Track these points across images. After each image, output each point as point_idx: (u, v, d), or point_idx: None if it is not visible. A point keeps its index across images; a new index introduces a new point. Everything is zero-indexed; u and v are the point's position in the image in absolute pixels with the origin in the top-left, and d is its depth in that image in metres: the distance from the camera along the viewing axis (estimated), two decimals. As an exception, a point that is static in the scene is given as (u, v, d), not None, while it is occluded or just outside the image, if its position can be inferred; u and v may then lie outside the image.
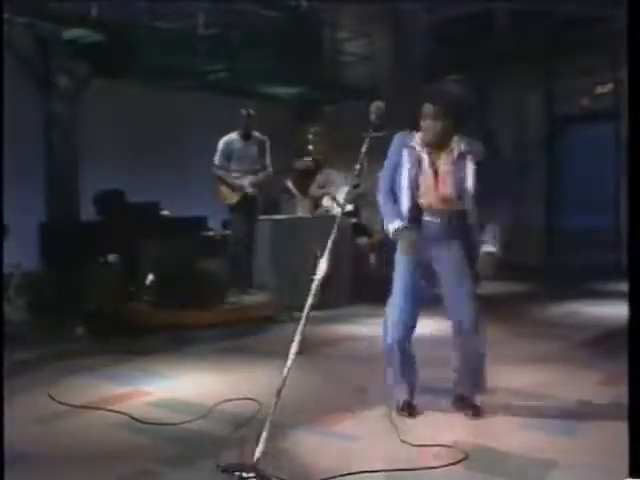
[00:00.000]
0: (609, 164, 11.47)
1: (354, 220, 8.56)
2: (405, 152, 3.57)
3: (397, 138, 3.64)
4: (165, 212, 7.90)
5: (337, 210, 8.68)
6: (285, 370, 2.98)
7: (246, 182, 7.31)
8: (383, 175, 3.69)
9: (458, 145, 3.51)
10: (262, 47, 10.54)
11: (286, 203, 9.33)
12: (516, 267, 11.34)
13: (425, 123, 3.47)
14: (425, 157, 3.53)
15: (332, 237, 3.23)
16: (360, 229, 8.69)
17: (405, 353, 3.74)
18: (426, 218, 3.55)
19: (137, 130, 9.76)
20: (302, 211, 8.85)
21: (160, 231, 7.44)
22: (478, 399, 3.78)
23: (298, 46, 11.03)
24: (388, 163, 3.67)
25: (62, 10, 8.19)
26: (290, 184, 9.01)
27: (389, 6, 11.62)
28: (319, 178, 8.93)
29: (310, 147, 9.18)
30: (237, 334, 6.23)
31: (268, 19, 11.02)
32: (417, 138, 3.57)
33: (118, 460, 3.20)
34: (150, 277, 6.84)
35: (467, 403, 3.75)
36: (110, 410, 3.88)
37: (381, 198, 3.68)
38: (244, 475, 2.81)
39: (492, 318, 6.89)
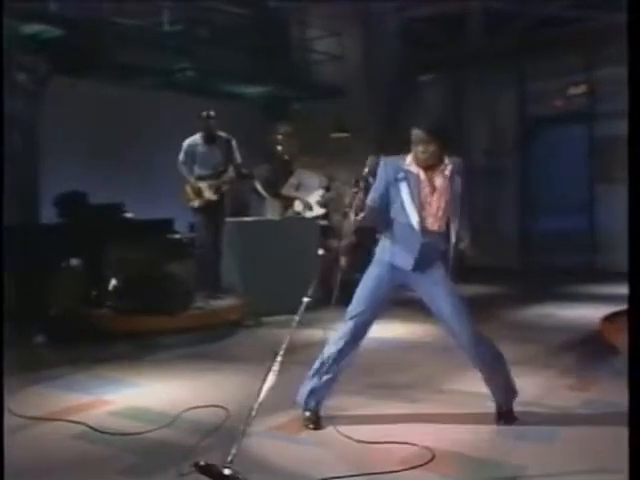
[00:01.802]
0: (583, 165, 11.63)
1: (324, 223, 8.58)
2: (401, 176, 3.62)
3: (386, 165, 3.65)
4: (129, 214, 7.83)
5: (309, 214, 8.72)
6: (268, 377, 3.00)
7: (206, 188, 7.25)
8: (374, 199, 3.65)
9: (450, 164, 3.64)
10: (230, 45, 10.51)
11: (255, 205, 9.30)
12: (490, 269, 11.46)
13: (418, 148, 3.59)
14: (423, 178, 3.63)
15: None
16: (330, 232, 8.70)
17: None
18: (424, 239, 3.62)
19: (100, 130, 9.68)
20: (271, 213, 8.84)
21: (124, 234, 7.36)
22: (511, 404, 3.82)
23: (266, 44, 11.02)
24: (379, 188, 3.66)
25: (20, 4, 8.08)
26: (258, 185, 9.00)
27: (359, 5, 11.66)
28: (292, 180, 8.94)
29: (279, 147, 9.19)
30: (203, 339, 6.20)
31: (236, 16, 10.99)
32: (410, 160, 3.64)
33: (78, 472, 3.17)
34: (113, 282, 6.77)
35: (507, 414, 3.79)
36: (70, 421, 3.83)
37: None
38: (225, 472, 2.80)
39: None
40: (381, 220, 3.69)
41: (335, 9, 11.61)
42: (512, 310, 7.88)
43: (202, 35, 10.19)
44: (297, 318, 3.25)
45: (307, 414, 3.73)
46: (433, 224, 3.62)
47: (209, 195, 7.25)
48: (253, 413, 3.01)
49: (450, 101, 12.83)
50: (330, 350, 3.73)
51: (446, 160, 3.64)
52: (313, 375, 3.75)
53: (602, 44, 10.75)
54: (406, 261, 3.65)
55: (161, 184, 8.85)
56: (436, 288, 3.66)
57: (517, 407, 4.05)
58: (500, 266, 11.75)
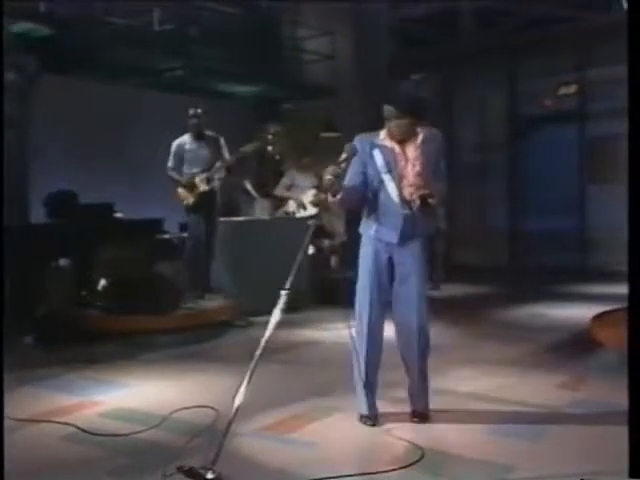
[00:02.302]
0: (574, 165, 11.66)
1: (316, 222, 8.57)
2: (376, 152, 3.65)
3: (360, 141, 3.69)
4: (119, 214, 7.81)
5: (303, 214, 8.71)
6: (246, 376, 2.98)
7: (198, 180, 7.25)
8: (351, 179, 3.67)
9: (421, 134, 3.68)
10: (220, 45, 10.49)
11: (245, 204, 9.29)
12: (480, 269, 11.49)
13: (392, 123, 3.62)
14: (398, 151, 3.66)
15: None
16: (322, 231, 8.70)
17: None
18: (405, 210, 3.65)
19: (90, 129, 9.64)
20: (261, 212, 8.83)
21: (114, 234, 7.34)
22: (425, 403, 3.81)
23: (258, 44, 11.01)
24: (355, 166, 3.67)
25: (10, 2, 8.03)
26: (248, 185, 8.99)
27: (352, 4, 11.66)
28: (285, 180, 8.94)
29: (269, 147, 9.18)
30: (193, 339, 6.18)
31: (227, 16, 10.97)
32: (384, 135, 3.68)
33: (66, 474, 3.16)
34: (102, 282, 6.74)
35: (421, 414, 3.79)
36: (59, 422, 3.80)
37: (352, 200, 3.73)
38: (208, 476, 2.79)
39: (456, 320, 7.02)
40: (360, 199, 3.70)
41: (326, 8, 11.60)
42: (502, 310, 7.90)
43: (192, 35, 10.16)
44: (277, 312, 3.19)
45: (368, 414, 3.73)
46: (412, 195, 3.61)
47: (202, 187, 7.23)
48: (231, 415, 2.98)
49: (441, 100, 12.85)
50: (367, 358, 3.71)
51: (418, 130, 3.66)
52: (363, 387, 3.74)
53: (593, 43, 10.80)
54: (391, 235, 3.68)
55: (151, 184, 8.82)
56: (410, 262, 3.68)
57: (508, 407, 4.07)
58: (490, 265, 11.79)
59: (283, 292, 3.24)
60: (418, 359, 3.76)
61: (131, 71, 10.08)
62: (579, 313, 6.94)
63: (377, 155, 3.65)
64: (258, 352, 3.11)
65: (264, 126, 9.87)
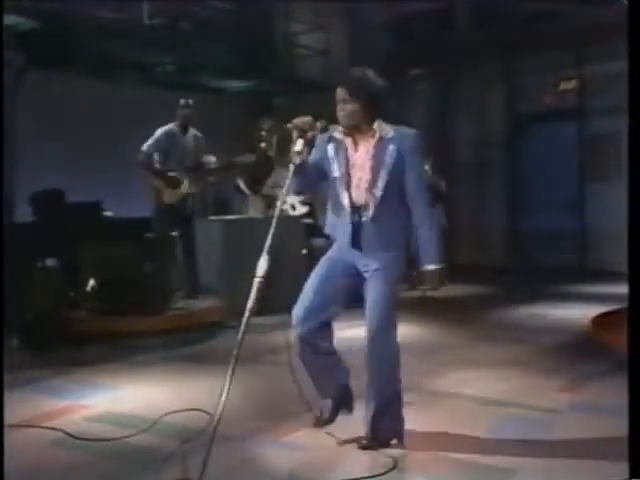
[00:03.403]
0: (573, 163, 11.68)
1: (309, 221, 8.56)
2: (330, 146, 3.46)
3: (320, 137, 3.50)
4: (108, 213, 7.80)
5: (291, 213, 8.70)
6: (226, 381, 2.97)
7: (187, 179, 7.20)
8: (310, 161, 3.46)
9: (380, 130, 3.39)
10: (212, 39, 10.48)
11: (238, 203, 9.28)
12: (480, 269, 11.51)
13: (337, 108, 3.39)
14: (349, 147, 3.44)
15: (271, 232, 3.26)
16: (315, 230, 8.69)
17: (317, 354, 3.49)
18: (356, 212, 3.38)
19: (78, 126, 9.61)
20: (254, 211, 8.81)
21: (103, 233, 7.34)
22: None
23: (250, 38, 11.00)
24: (316, 153, 3.47)
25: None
26: (242, 183, 8.97)
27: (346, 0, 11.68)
28: (270, 179, 8.91)
29: (262, 144, 9.15)
30: (184, 341, 6.18)
31: (218, 10, 10.96)
32: (340, 128, 3.46)
33: (53, 480, 3.15)
34: (91, 282, 6.73)
35: (369, 445, 3.41)
36: (46, 427, 3.80)
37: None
38: None
39: (454, 321, 7.03)
40: (310, 182, 3.50)
41: (320, 3, 11.61)
42: (501, 310, 7.92)
43: (183, 29, 10.15)
44: (250, 303, 3.09)
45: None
46: (359, 197, 3.35)
47: (189, 188, 7.17)
48: (214, 423, 2.95)
49: (438, 97, 12.87)
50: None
51: (375, 125, 3.36)
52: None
53: (593, 39, 10.82)
54: (343, 236, 3.41)
55: (141, 182, 8.79)
56: (377, 271, 3.36)
57: (507, 409, 4.08)
58: (489, 265, 11.81)
59: (256, 280, 3.09)
60: (378, 371, 3.39)
61: (121, 66, 10.05)
62: (579, 313, 6.97)
63: (330, 148, 3.44)
64: (238, 344, 3.08)
65: (257, 122, 9.85)
